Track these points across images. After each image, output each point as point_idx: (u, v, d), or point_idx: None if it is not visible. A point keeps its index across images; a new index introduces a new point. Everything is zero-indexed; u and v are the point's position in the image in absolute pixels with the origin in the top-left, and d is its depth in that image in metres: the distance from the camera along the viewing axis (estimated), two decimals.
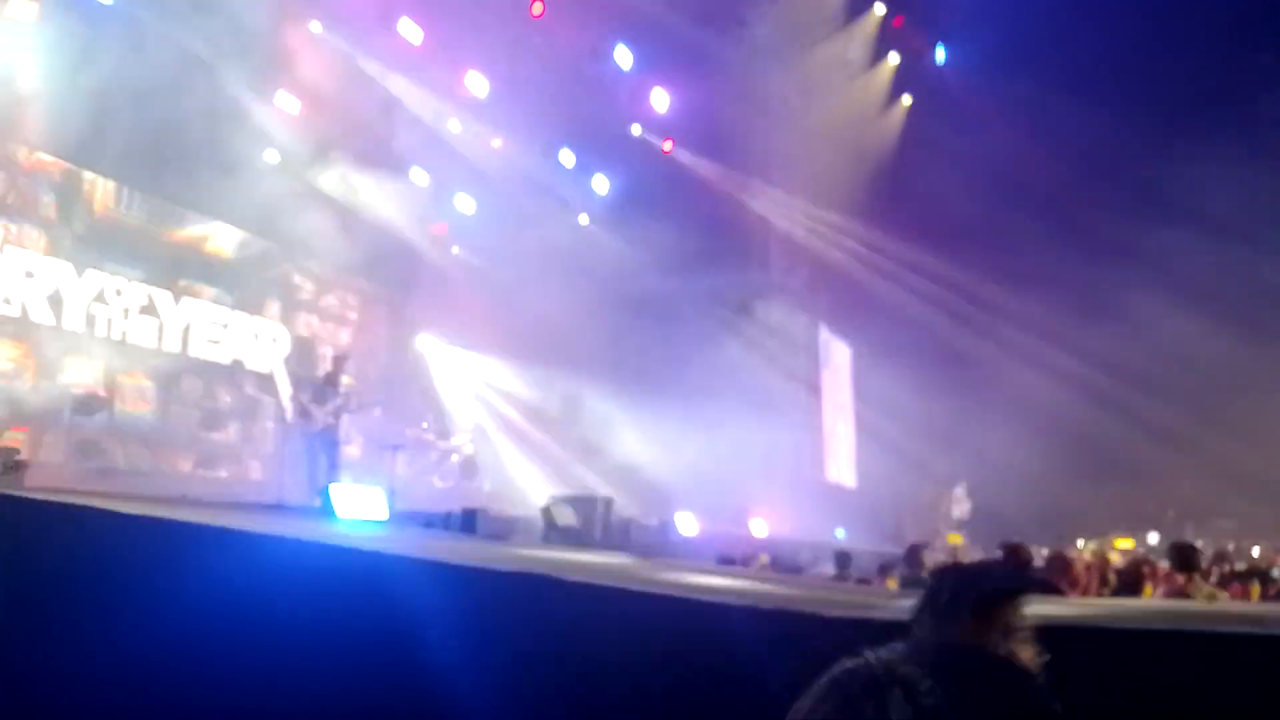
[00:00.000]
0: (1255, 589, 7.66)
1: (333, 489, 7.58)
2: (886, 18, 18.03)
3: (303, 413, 10.65)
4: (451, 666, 2.57)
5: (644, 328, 16.46)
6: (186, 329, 13.61)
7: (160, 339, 13.22)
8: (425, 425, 16.42)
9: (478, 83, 15.20)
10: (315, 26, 13.82)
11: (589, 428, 17.40)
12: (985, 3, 16.96)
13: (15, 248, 11.50)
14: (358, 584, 2.95)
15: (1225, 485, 16.38)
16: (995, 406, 17.32)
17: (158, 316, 13.19)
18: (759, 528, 13.53)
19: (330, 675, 2.77)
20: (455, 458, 16.75)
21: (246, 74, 13.00)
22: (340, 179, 14.77)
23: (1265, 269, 16.16)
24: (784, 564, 9.25)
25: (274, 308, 15.21)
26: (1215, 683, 2.19)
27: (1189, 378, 16.46)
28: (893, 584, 8.18)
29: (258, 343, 14.73)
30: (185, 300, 13.62)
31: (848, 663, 0.92)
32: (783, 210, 18.21)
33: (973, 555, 12.30)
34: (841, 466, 19.51)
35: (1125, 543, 16.12)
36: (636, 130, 17.47)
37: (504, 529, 8.83)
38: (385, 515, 7.56)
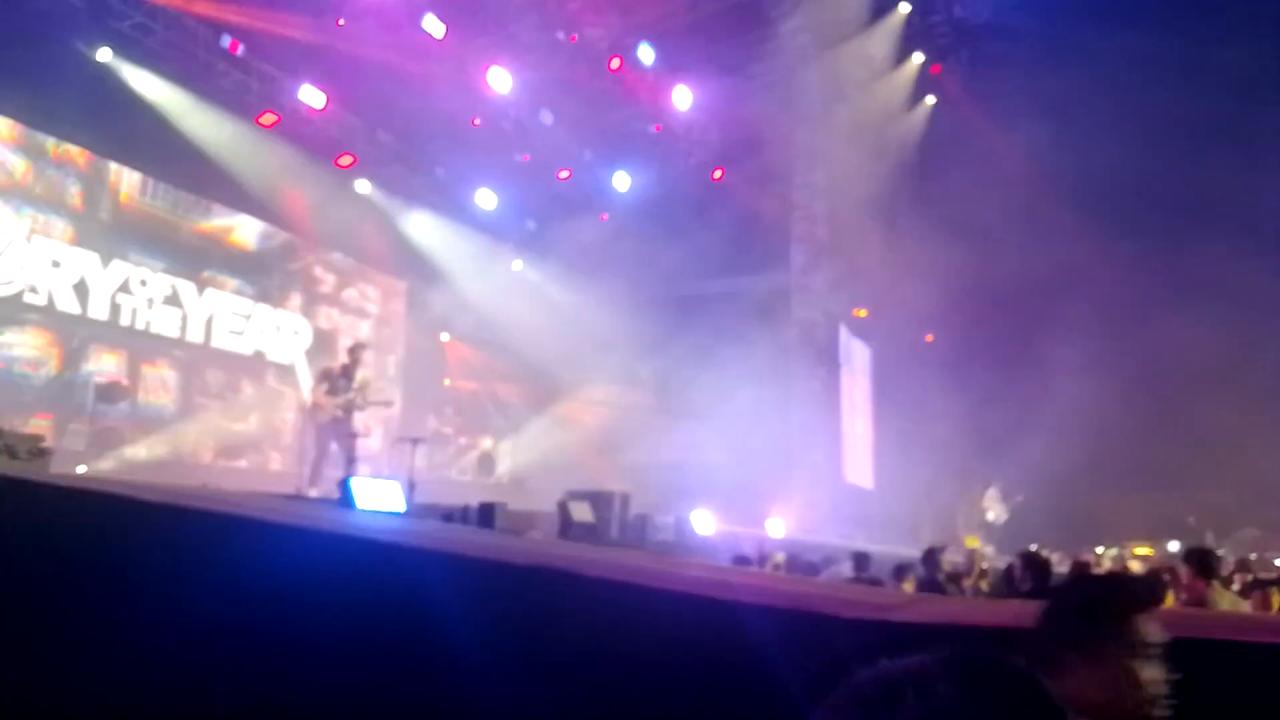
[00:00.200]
0: (1277, 597, 7.56)
1: (352, 482, 7.63)
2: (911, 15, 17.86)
3: (315, 404, 10.67)
4: (468, 660, 2.58)
5: (663, 326, 16.46)
6: (209, 320, 13.73)
7: (183, 329, 13.35)
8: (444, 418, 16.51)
9: (500, 78, 15.21)
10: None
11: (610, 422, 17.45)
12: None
13: (42, 237, 11.64)
14: (376, 575, 2.96)
15: (1249, 494, 16.18)
16: (1017, 410, 17.19)
17: (181, 307, 13.32)
18: (775, 527, 13.49)
19: (348, 667, 2.78)
20: (474, 452, 16.84)
21: None
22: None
23: None
24: (800, 564, 9.22)
25: (296, 300, 15.33)
26: (1239, 691, 2.17)
27: (1217, 384, 16.23)
28: (909, 587, 8.15)
29: (279, 334, 14.84)
30: (209, 291, 13.75)
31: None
32: (804, 210, 18.14)
33: (991, 560, 12.21)
34: (859, 468, 19.42)
35: (1144, 550, 15.97)
36: (658, 129, 17.46)
37: (522, 524, 8.85)
38: (403, 508, 7.59)
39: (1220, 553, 8.81)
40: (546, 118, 16.03)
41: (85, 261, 12.09)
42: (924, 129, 19.24)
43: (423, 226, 16.69)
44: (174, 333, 13.23)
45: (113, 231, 12.57)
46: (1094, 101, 16.06)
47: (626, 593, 2.69)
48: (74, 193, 12.16)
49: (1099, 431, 16.17)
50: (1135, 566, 10.62)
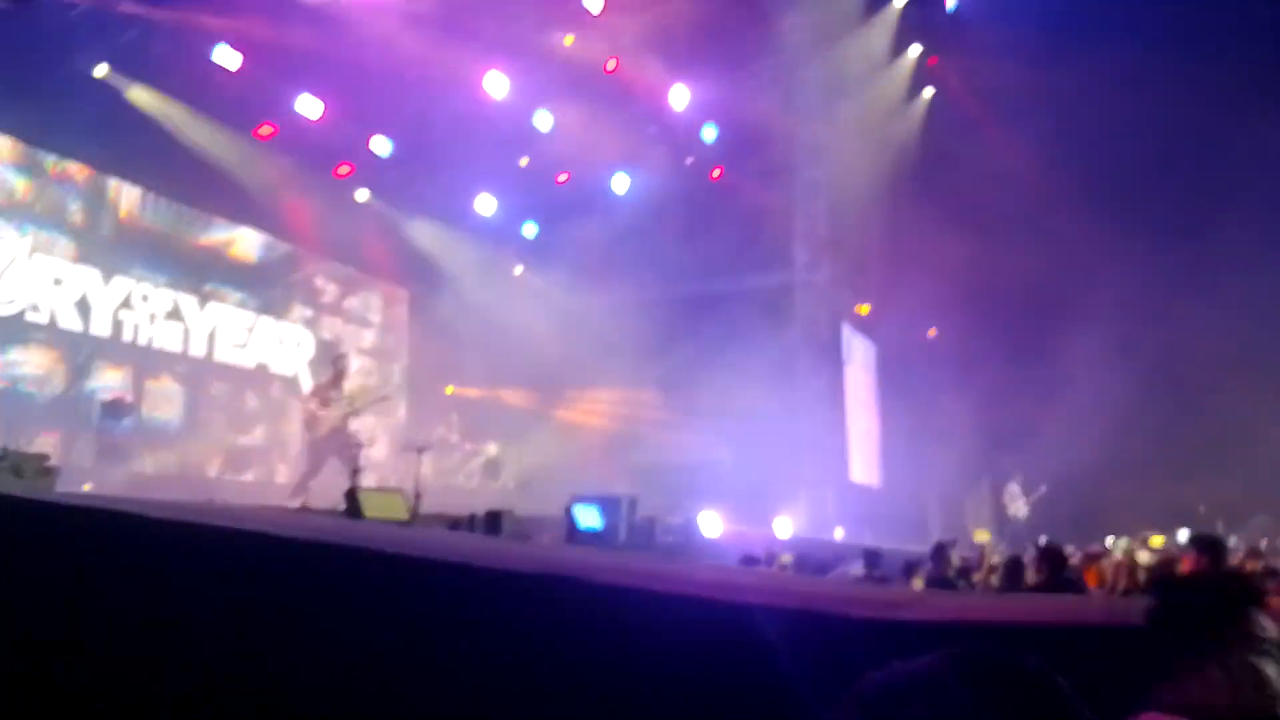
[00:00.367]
0: None
1: (359, 493, 7.60)
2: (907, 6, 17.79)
3: (309, 419, 10.65)
4: (474, 669, 2.56)
5: (666, 327, 16.44)
6: (212, 333, 13.75)
7: (186, 344, 13.36)
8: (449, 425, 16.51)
9: (496, 82, 15.19)
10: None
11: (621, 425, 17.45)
12: None
13: (44, 255, 11.66)
14: (385, 588, 2.94)
15: (1260, 481, 16.04)
16: (1023, 403, 17.10)
17: (183, 321, 13.33)
18: (783, 527, 13.46)
19: (359, 681, 2.76)
20: (479, 458, 16.82)
21: None
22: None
23: None
24: (807, 564, 9.20)
25: (298, 311, 15.34)
26: None
27: (1228, 372, 16.08)
28: (919, 583, 8.12)
29: (282, 346, 14.86)
30: (211, 305, 13.76)
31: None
32: (806, 206, 18.12)
33: (1002, 553, 12.15)
34: (866, 466, 19.38)
35: (1157, 540, 15.87)
36: (655, 128, 17.44)
37: (529, 530, 8.84)
38: (408, 517, 7.58)
39: (1231, 542, 8.74)
40: (544, 121, 16.02)
41: (87, 278, 12.10)
42: (924, 121, 19.19)
43: (423, 233, 16.70)
44: (177, 347, 13.24)
45: (114, 247, 12.59)
46: (1098, 85, 15.78)
47: (634, 597, 2.67)
48: (74, 209, 12.18)
49: (1107, 423, 16.08)
50: (1145, 557, 10.54)
